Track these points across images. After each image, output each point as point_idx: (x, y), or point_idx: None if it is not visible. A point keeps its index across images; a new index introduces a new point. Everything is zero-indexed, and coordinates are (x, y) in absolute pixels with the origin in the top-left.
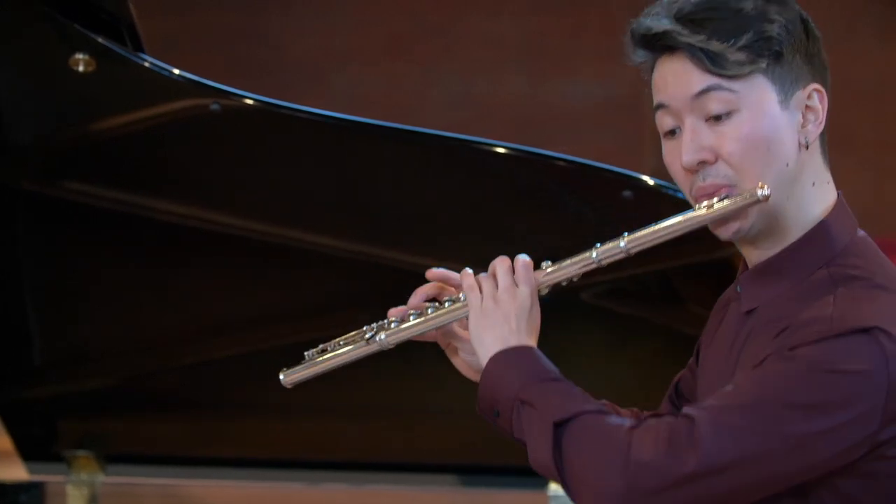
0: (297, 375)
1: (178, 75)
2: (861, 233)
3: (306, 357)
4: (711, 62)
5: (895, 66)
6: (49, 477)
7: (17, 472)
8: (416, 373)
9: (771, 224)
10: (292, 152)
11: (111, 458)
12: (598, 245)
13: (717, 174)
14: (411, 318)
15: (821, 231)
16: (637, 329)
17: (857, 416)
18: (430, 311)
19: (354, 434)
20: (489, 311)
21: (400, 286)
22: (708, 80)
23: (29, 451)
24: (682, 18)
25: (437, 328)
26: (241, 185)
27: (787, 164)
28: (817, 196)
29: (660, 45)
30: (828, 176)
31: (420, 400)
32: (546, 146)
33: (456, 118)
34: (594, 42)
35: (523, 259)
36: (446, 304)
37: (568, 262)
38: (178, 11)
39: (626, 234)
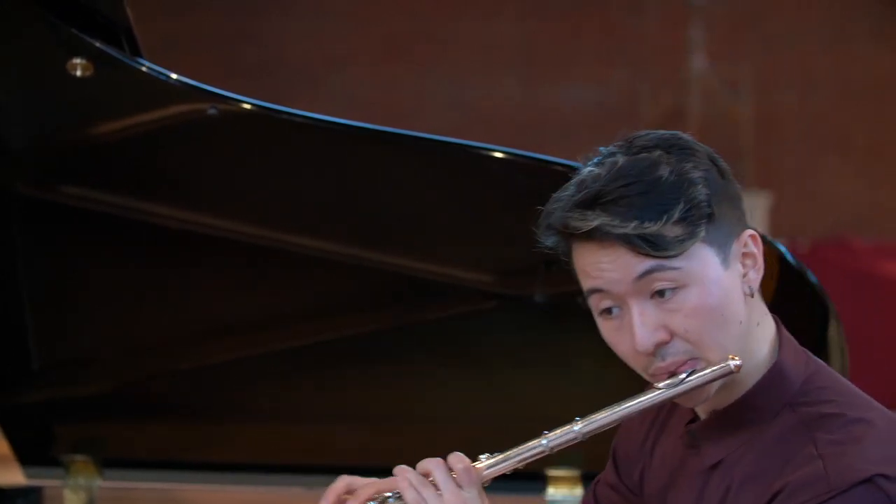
0: None
1: (176, 79)
2: (809, 357)
3: None
4: (651, 247)
5: (890, 69)
6: (46, 481)
7: (14, 476)
8: (411, 379)
9: (731, 378)
10: (290, 156)
11: (109, 462)
12: (547, 432)
13: (676, 351)
14: None
15: (777, 372)
16: None
17: None
18: None
19: (351, 439)
20: None
21: (397, 290)
22: (648, 263)
23: (26, 455)
24: (603, 204)
25: None
26: (239, 189)
27: (741, 322)
28: (762, 333)
29: (585, 236)
30: (763, 307)
31: (416, 406)
32: (542, 150)
33: (452, 121)
34: (590, 46)
35: (460, 461)
36: None
37: (514, 452)
38: (175, 14)
39: (577, 418)
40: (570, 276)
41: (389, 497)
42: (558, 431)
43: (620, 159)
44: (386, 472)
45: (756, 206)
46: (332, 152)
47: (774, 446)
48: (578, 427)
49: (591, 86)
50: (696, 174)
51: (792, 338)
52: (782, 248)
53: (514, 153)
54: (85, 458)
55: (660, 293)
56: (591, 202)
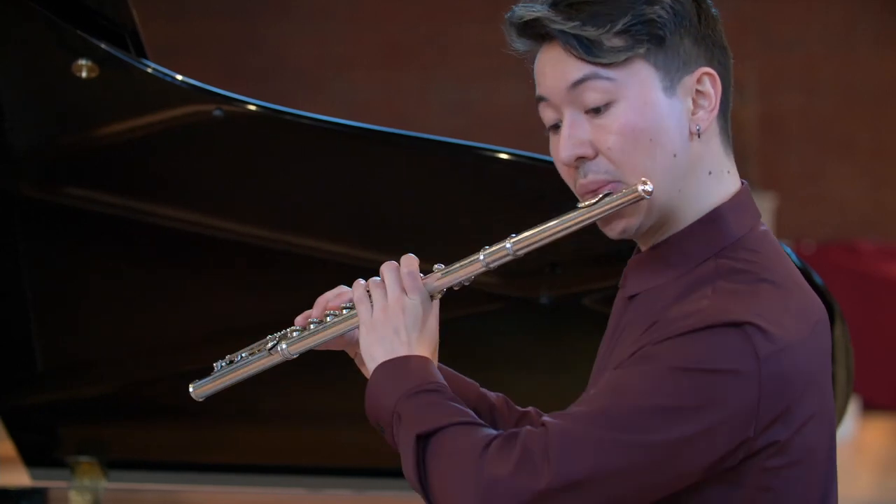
0: (205, 388)
1: (181, 81)
2: (763, 227)
3: (215, 368)
4: (585, 50)
5: (893, 73)
6: (52, 483)
7: (20, 477)
8: None
9: (663, 219)
10: (295, 158)
11: (114, 463)
12: (486, 248)
13: (598, 170)
14: (311, 326)
15: (712, 219)
16: None
17: (725, 421)
18: (328, 319)
19: (355, 440)
20: (378, 323)
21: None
22: (583, 69)
23: (32, 456)
24: (557, 4)
25: (339, 336)
26: (244, 190)
27: (675, 155)
28: (715, 186)
29: (533, 33)
30: (729, 165)
31: None
32: (544, 153)
33: (454, 125)
34: None
35: (409, 267)
36: (344, 312)
37: (457, 265)
38: (177, 19)
39: (513, 235)
40: (575, 277)
41: (345, 307)
42: (494, 248)
43: None
44: (389, 472)
45: (761, 208)
46: (338, 154)
47: (682, 287)
48: (510, 245)
49: None
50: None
51: (754, 206)
52: (788, 250)
53: (518, 154)
54: (90, 460)
55: (595, 110)
56: (546, 1)
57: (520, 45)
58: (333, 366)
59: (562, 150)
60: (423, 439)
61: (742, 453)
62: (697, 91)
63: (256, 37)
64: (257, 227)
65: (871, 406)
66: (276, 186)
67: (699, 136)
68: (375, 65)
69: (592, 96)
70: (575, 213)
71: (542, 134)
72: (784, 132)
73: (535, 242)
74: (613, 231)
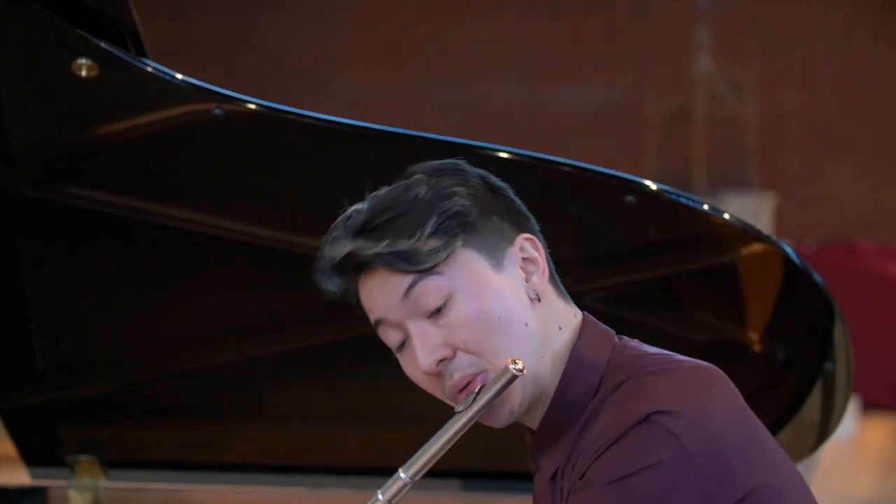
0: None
1: (182, 80)
2: (621, 339)
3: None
4: (406, 262)
5: (893, 73)
6: (52, 482)
7: (19, 476)
8: None
9: (537, 389)
10: (296, 157)
11: (114, 462)
12: (382, 489)
13: (462, 365)
14: None
15: (574, 364)
16: (639, 334)
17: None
18: None
19: (356, 439)
20: None
21: None
22: (409, 277)
23: (31, 456)
24: (360, 232)
25: None
26: (244, 190)
27: (527, 325)
28: (565, 337)
29: (350, 267)
30: (571, 310)
31: (422, 405)
32: (546, 153)
33: (454, 124)
34: (594, 48)
35: None
36: None
37: None
38: (177, 19)
39: (401, 467)
40: (575, 277)
41: None
42: (388, 484)
43: (383, 190)
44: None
45: (761, 208)
46: (339, 153)
47: (582, 432)
48: (403, 475)
49: (596, 87)
50: (457, 188)
51: (598, 326)
52: (788, 249)
53: (519, 153)
54: (90, 459)
55: (436, 311)
56: (350, 232)
57: (336, 285)
58: (334, 365)
59: (421, 360)
60: None
61: None
62: (524, 258)
63: (256, 37)
64: (258, 226)
65: (872, 406)
66: (276, 186)
67: (539, 301)
68: (375, 65)
69: (428, 299)
70: (458, 417)
71: (542, 133)
72: (784, 132)
73: (428, 463)
74: (500, 419)
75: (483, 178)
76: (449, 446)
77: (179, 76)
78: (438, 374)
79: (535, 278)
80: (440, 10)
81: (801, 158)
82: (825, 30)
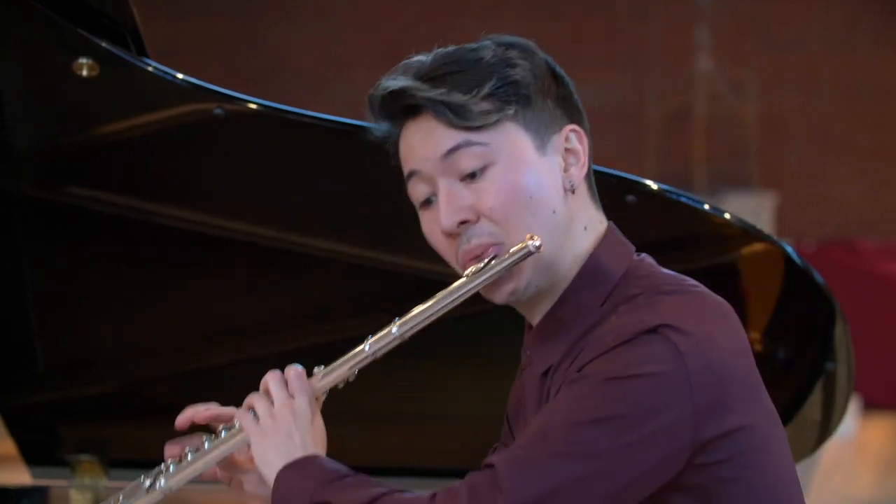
0: None
1: (182, 79)
2: (640, 256)
3: None
4: (456, 115)
5: (893, 73)
6: (52, 481)
7: (20, 476)
8: (418, 378)
9: (548, 278)
10: (296, 156)
11: (115, 462)
12: (370, 337)
13: (482, 233)
14: (189, 455)
15: (591, 267)
16: None
17: (668, 419)
18: (206, 444)
19: (356, 439)
20: (269, 429)
21: (403, 291)
22: (456, 136)
23: (32, 455)
24: (420, 76)
25: (219, 461)
26: (244, 189)
27: (555, 212)
28: (589, 239)
29: (400, 106)
30: (599, 216)
31: (422, 405)
32: None
33: None
34: (594, 48)
35: (295, 369)
36: (223, 434)
37: (340, 361)
38: (177, 19)
39: (396, 318)
40: None
41: (222, 429)
42: (379, 335)
43: (449, 47)
44: (390, 471)
45: (761, 207)
46: (340, 152)
47: (586, 335)
48: (396, 328)
49: (596, 87)
50: (521, 62)
51: (621, 237)
52: (788, 249)
53: None
54: (91, 459)
55: (471, 176)
56: (410, 73)
57: (381, 125)
58: None
59: (443, 217)
60: None
61: (689, 449)
62: (566, 149)
63: (256, 37)
64: (258, 226)
65: (872, 405)
66: (276, 185)
67: (573, 193)
68: (375, 65)
69: (467, 162)
70: (464, 282)
71: None
72: (784, 132)
73: (424, 321)
74: (502, 294)
75: (549, 63)
76: (447, 309)
77: (180, 76)
78: (456, 237)
79: (573, 170)
80: (440, 10)
81: (801, 158)
82: (825, 30)
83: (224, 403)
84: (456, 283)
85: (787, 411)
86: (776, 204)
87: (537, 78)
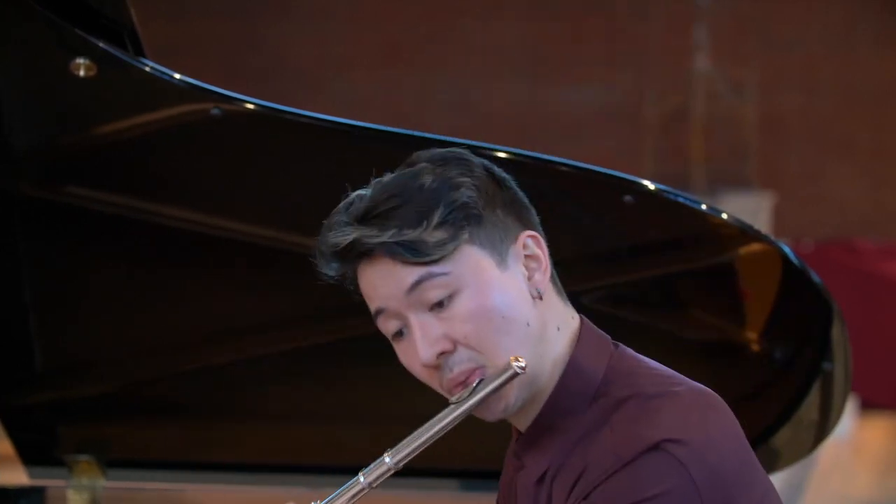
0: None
1: (179, 80)
2: (617, 346)
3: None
4: (412, 253)
5: (893, 73)
6: (50, 481)
7: (18, 476)
8: (417, 378)
9: (531, 389)
10: (294, 156)
11: (112, 462)
12: (364, 469)
13: (462, 360)
14: None
15: (572, 372)
16: (638, 334)
17: None
18: None
19: (356, 439)
20: None
21: None
22: (416, 271)
23: (30, 455)
24: (365, 219)
25: None
26: (242, 189)
27: (528, 324)
28: (563, 337)
29: (353, 254)
30: (569, 311)
31: (421, 405)
32: (545, 152)
33: (454, 124)
34: (593, 48)
35: None
36: None
37: (335, 495)
38: (177, 19)
39: (388, 450)
40: (573, 276)
41: None
42: (371, 467)
43: (387, 177)
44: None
45: (760, 207)
46: (337, 152)
47: (580, 444)
48: (389, 459)
49: (596, 87)
50: (462, 179)
51: (596, 332)
52: (786, 249)
53: (517, 153)
54: (88, 459)
55: (438, 304)
56: (354, 218)
57: (335, 270)
58: (334, 365)
59: (421, 353)
60: None
61: None
62: (526, 256)
63: (256, 37)
64: (257, 226)
65: (870, 405)
66: (275, 185)
67: (541, 299)
68: (375, 65)
69: (433, 293)
70: (452, 408)
71: (542, 133)
72: (784, 132)
73: (415, 450)
74: (494, 413)
75: (487, 169)
76: (439, 436)
77: (177, 76)
78: (437, 367)
79: (537, 276)
80: (440, 10)
81: (800, 158)
82: (825, 30)
83: (224, 403)
84: (446, 411)
85: (785, 411)
86: (775, 204)
87: (482, 192)
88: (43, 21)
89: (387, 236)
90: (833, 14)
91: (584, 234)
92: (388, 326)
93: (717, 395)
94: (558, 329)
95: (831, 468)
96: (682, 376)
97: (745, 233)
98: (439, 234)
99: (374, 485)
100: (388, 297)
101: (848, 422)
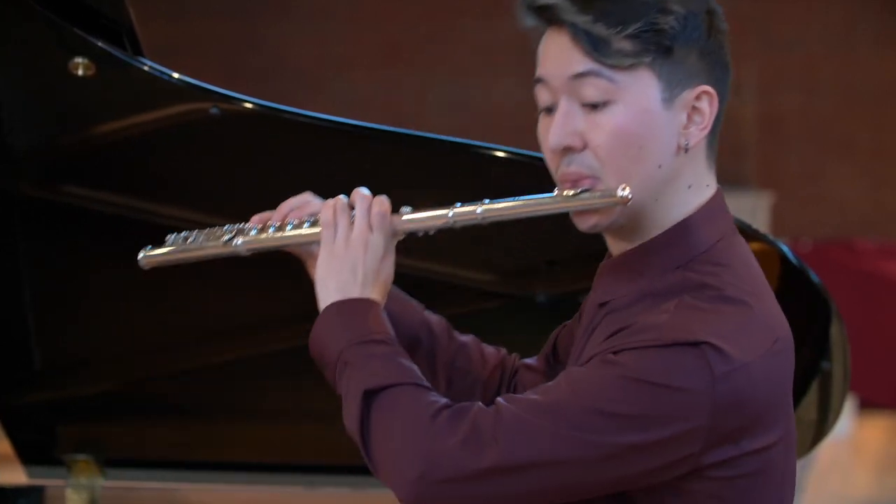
0: (155, 259)
1: (178, 79)
2: (735, 236)
3: (167, 241)
4: (593, 47)
5: (893, 73)
6: (49, 481)
7: (16, 476)
8: None
9: (635, 221)
10: (293, 156)
11: (111, 462)
12: (458, 205)
13: (582, 163)
14: (270, 229)
15: (680, 231)
16: None
17: (675, 435)
18: (289, 227)
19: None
20: (338, 254)
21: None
22: (588, 64)
23: (29, 455)
24: None
25: (291, 247)
26: (241, 189)
27: (660, 166)
28: (692, 198)
29: (545, 17)
30: (709, 179)
31: None
32: (542, 153)
33: (454, 124)
34: None
35: (380, 204)
36: (305, 226)
37: (426, 213)
38: (177, 19)
39: (486, 200)
40: (572, 275)
41: (307, 220)
42: (464, 208)
43: None
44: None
45: (759, 206)
46: (336, 152)
47: (650, 297)
48: (480, 210)
49: None
50: (676, 9)
51: (724, 211)
52: (784, 248)
53: (517, 152)
54: (87, 458)
55: (592, 106)
56: None
57: (527, 21)
58: None
59: (552, 135)
60: (371, 394)
61: (687, 467)
62: (693, 107)
63: (256, 37)
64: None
65: (870, 405)
66: (275, 185)
67: (686, 151)
68: (375, 65)
69: (592, 92)
70: (551, 199)
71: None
72: (784, 132)
73: (506, 215)
74: (584, 224)
75: (710, 11)
76: (530, 216)
77: (176, 75)
78: (561, 156)
79: (692, 129)
80: (440, 10)
81: (800, 158)
82: (825, 30)
83: (224, 403)
84: (546, 196)
85: None
86: (774, 203)
87: (687, 29)
88: (42, 21)
89: (581, 19)
90: (833, 14)
91: (583, 233)
92: (541, 96)
93: (788, 336)
94: (689, 187)
95: (830, 467)
96: (773, 300)
97: (744, 232)
98: (625, 45)
99: (457, 225)
100: (554, 72)
101: (847, 421)
